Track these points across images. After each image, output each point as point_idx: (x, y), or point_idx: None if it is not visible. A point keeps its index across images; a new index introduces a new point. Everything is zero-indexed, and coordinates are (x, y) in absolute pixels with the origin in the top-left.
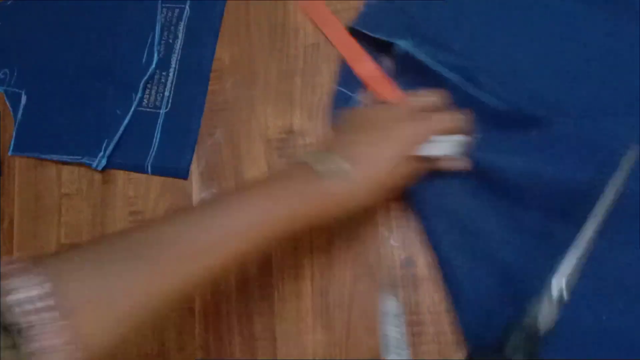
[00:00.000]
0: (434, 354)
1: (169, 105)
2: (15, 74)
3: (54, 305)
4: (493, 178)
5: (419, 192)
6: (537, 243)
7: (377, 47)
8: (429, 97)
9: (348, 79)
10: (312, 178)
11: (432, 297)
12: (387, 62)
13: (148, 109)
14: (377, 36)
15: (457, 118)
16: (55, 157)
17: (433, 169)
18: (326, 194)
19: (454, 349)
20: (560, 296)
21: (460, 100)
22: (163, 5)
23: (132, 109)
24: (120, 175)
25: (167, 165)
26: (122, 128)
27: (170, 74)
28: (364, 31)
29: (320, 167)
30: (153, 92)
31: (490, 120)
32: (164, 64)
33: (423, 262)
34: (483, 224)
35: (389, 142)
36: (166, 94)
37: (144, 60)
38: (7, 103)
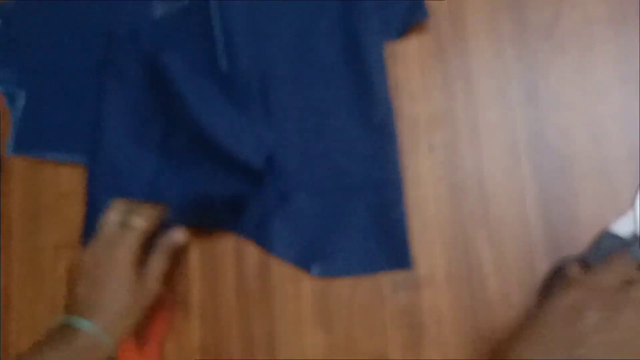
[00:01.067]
0: (435, 354)
1: None
2: (16, 73)
3: None
4: None
5: None
6: None
7: None
8: (115, 211)
9: None
10: (73, 338)
11: (433, 297)
12: None
13: None
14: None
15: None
16: (54, 156)
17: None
18: (86, 349)
19: (455, 350)
20: None
21: None
22: None
23: None
24: None
25: None
26: None
27: None
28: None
29: (74, 329)
30: None
31: None
32: None
33: (424, 263)
34: None
35: (107, 280)
36: None
37: None
38: (7, 103)
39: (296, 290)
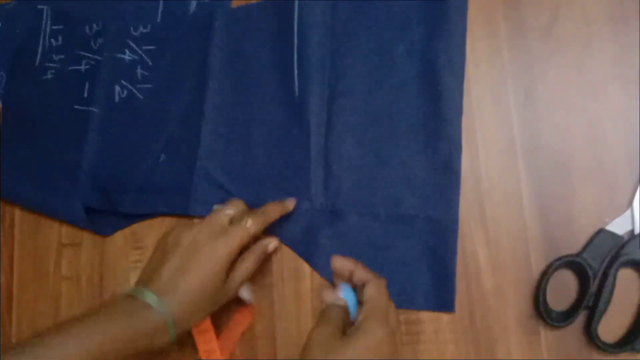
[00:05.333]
0: (433, 353)
1: None
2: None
3: None
4: None
5: None
6: None
7: None
8: (231, 206)
9: None
10: (134, 310)
11: None
12: None
13: None
14: None
15: (266, 211)
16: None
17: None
18: (145, 325)
19: (452, 348)
20: None
21: None
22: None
23: None
24: None
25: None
26: None
27: None
28: None
29: (139, 301)
30: None
31: None
32: None
33: None
34: None
35: (198, 265)
36: None
37: None
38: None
39: (296, 289)
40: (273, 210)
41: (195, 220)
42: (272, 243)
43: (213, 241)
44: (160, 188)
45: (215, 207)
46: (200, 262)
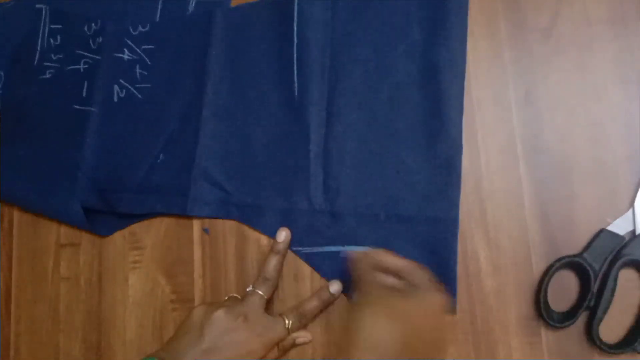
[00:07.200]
0: None
1: None
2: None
3: None
4: None
5: None
6: None
7: None
8: (264, 283)
9: None
10: None
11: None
12: None
13: None
14: None
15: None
16: None
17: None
18: None
19: (452, 349)
20: None
21: None
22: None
23: None
24: None
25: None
26: None
27: None
28: None
29: None
30: None
31: None
32: None
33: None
34: None
35: (230, 355)
36: None
37: None
38: None
39: (296, 289)
40: (314, 308)
41: (227, 298)
42: (302, 338)
43: (252, 337)
44: (159, 188)
45: (249, 289)
46: (232, 354)
